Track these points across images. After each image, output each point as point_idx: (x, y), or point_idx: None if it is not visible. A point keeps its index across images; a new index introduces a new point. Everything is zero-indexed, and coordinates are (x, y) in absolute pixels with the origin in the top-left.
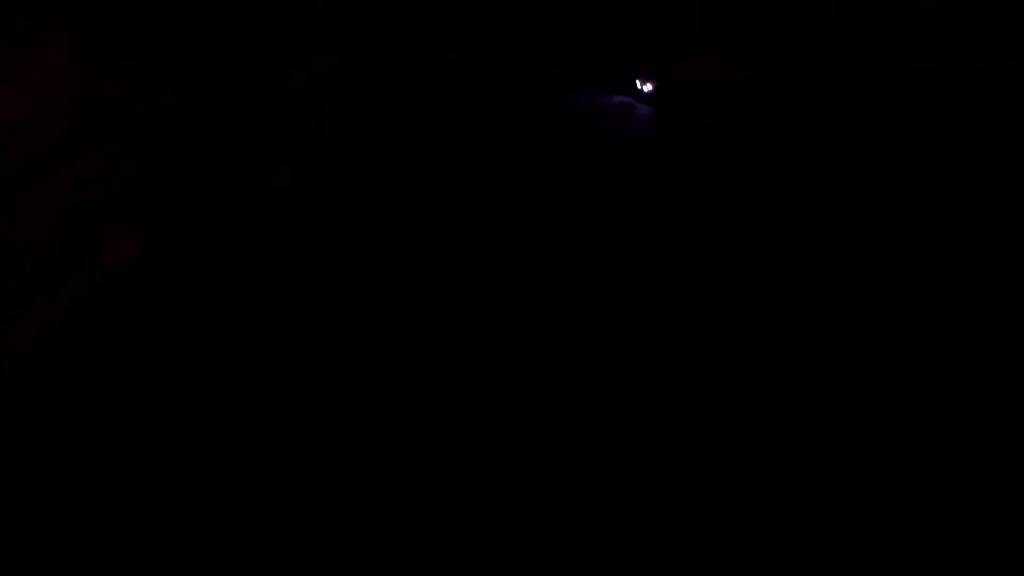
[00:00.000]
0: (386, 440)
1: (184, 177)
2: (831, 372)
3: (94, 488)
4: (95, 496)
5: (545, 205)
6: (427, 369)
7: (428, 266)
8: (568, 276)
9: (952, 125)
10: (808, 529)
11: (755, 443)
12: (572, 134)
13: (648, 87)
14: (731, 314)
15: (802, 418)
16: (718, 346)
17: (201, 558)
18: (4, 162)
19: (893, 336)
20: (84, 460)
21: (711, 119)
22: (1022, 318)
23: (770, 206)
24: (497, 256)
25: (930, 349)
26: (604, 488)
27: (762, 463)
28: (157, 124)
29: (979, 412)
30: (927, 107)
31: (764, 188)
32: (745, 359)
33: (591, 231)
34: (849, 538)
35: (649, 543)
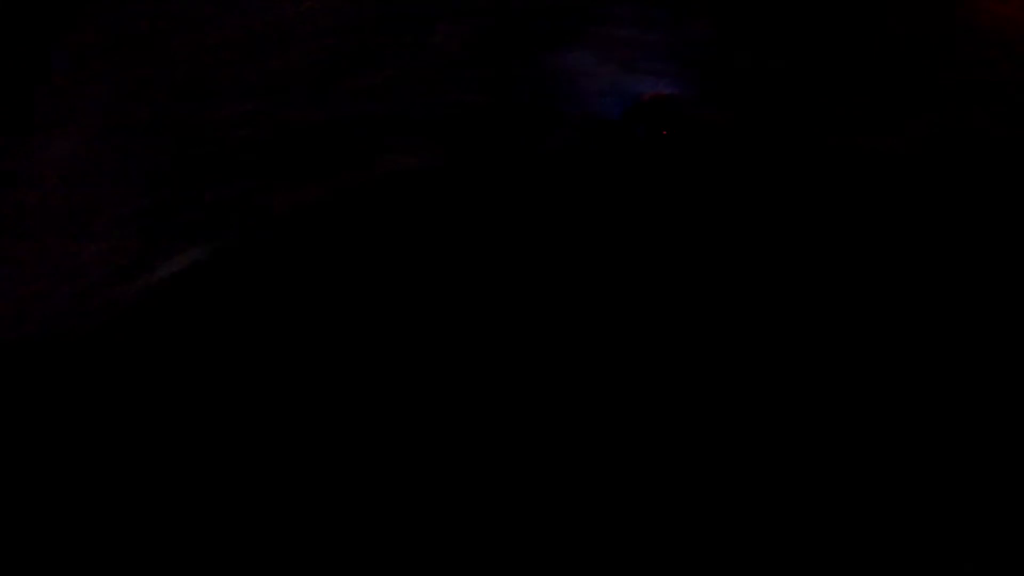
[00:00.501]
0: (385, 439)
1: (461, 111)
2: (832, 371)
3: (96, 488)
4: (95, 496)
5: (545, 205)
6: (425, 369)
7: (427, 265)
8: (568, 275)
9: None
10: (808, 529)
11: (755, 442)
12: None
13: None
14: (732, 313)
15: (803, 418)
16: (719, 345)
17: (201, 558)
18: (300, 65)
19: (893, 336)
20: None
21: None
22: (1022, 318)
23: (771, 206)
24: (497, 256)
25: (930, 349)
26: (604, 488)
27: (762, 462)
28: (452, 51)
29: (979, 412)
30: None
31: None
32: (746, 358)
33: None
34: (849, 538)
35: (649, 543)
